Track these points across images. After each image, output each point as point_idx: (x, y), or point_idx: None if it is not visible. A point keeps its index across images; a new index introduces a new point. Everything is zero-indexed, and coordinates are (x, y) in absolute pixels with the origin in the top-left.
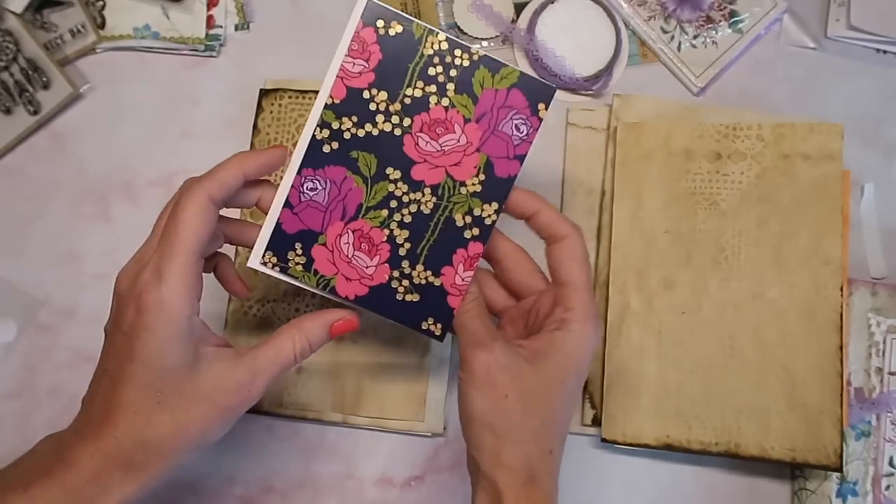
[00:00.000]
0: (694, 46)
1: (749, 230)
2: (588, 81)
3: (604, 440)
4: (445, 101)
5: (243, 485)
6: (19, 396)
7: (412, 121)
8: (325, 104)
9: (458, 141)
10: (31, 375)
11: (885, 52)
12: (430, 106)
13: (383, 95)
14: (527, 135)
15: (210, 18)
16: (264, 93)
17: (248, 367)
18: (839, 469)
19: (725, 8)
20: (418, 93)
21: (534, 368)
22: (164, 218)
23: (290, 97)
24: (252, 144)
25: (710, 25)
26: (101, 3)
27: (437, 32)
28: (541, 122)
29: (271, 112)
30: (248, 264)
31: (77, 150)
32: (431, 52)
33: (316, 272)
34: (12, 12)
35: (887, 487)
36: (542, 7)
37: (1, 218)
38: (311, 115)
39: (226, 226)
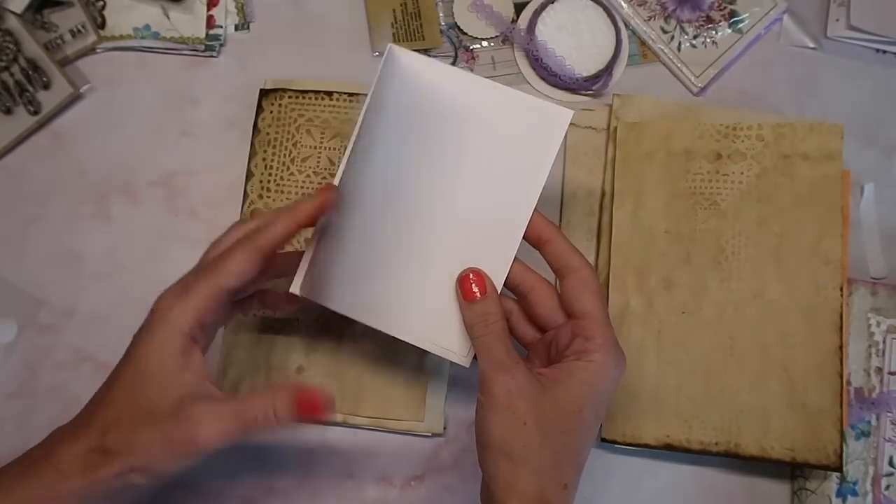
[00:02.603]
0: (694, 46)
1: (749, 230)
2: (588, 81)
3: (604, 440)
4: None
5: (244, 485)
6: (19, 396)
7: None
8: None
9: None
10: (31, 375)
11: (884, 52)
12: None
13: None
14: None
15: (210, 18)
16: (264, 93)
17: (232, 409)
18: (839, 469)
19: (725, 8)
20: None
21: (551, 396)
22: (212, 251)
23: (290, 97)
24: (252, 144)
25: (710, 25)
26: (101, 3)
27: None
28: None
29: (271, 112)
30: (291, 289)
31: (77, 150)
32: None
33: None
34: (12, 12)
35: (887, 487)
36: (542, 7)
37: (1, 218)
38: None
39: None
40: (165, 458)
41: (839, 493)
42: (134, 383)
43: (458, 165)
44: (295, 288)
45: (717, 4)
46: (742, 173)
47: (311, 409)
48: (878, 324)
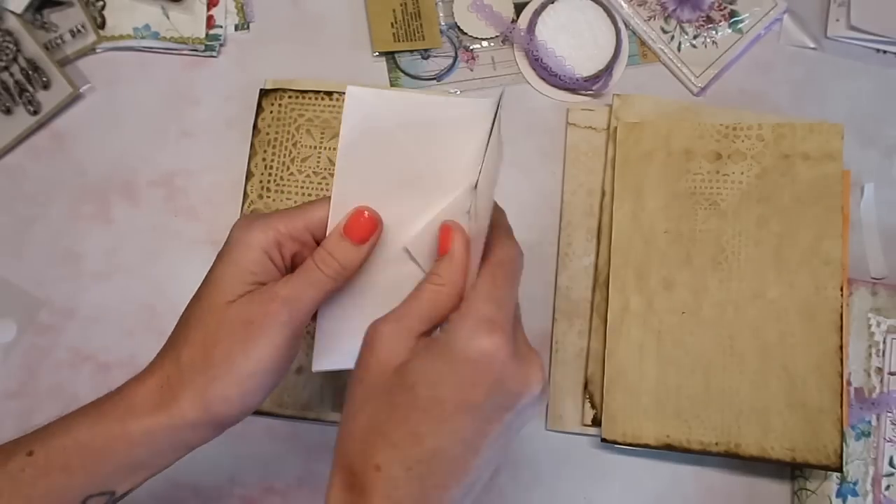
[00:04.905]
0: (694, 46)
1: (749, 230)
2: (588, 81)
3: (604, 440)
4: None
5: (244, 485)
6: (19, 396)
7: None
8: None
9: None
10: (31, 375)
11: (884, 52)
12: None
13: None
14: None
15: (210, 18)
16: (264, 93)
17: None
18: (839, 469)
19: (725, 8)
20: None
21: (397, 366)
22: None
23: (290, 97)
24: (252, 144)
25: (710, 25)
26: (101, 3)
27: None
28: None
29: (271, 112)
30: (314, 369)
31: (77, 150)
32: None
33: None
34: (12, 12)
35: (887, 487)
36: (542, 7)
37: (1, 218)
38: None
39: None
40: (247, 340)
41: (839, 494)
42: (203, 310)
43: (429, 192)
44: (319, 366)
45: (717, 4)
46: (742, 173)
47: (357, 229)
48: (878, 324)
